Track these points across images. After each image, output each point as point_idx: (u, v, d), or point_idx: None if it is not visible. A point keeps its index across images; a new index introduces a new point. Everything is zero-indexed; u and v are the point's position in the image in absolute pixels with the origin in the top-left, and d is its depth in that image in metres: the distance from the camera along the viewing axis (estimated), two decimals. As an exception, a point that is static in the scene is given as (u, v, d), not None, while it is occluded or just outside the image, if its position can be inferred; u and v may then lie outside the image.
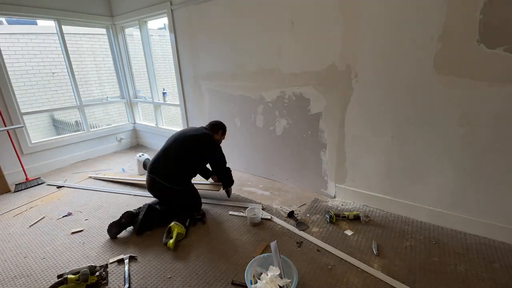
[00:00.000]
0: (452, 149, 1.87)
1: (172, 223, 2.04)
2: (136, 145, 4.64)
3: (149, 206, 2.18)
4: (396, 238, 1.94)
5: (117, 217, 2.20)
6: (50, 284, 1.52)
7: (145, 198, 2.63)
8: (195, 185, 2.44)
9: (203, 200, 2.47)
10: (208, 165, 2.47)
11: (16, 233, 2.21)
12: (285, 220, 2.22)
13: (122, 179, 3.11)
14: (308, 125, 2.51)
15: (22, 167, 3.15)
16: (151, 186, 2.28)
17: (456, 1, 1.63)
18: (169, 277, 1.69)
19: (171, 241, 1.91)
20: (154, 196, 2.35)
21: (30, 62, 5.19)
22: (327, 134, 2.42)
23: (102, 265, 1.75)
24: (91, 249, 2.00)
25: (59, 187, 2.99)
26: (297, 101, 2.50)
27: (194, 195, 2.38)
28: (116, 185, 3.01)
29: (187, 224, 2.11)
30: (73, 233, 2.19)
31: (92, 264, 1.70)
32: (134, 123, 4.58)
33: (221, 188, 2.58)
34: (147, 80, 4.08)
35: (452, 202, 1.96)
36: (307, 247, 1.89)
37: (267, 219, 2.24)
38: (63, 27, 3.57)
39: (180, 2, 3.03)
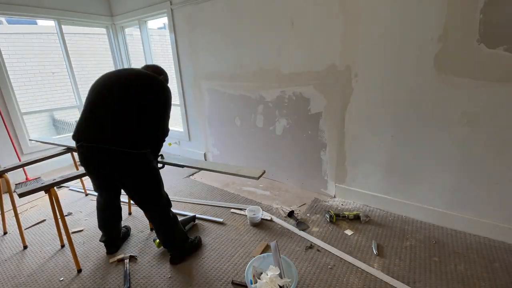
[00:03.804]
0: (452, 149, 1.87)
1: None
2: (136, 145, 4.63)
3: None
4: (396, 238, 1.94)
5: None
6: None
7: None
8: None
9: (202, 202, 2.46)
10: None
11: (16, 233, 2.21)
12: (285, 220, 2.22)
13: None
14: (308, 125, 2.51)
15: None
16: (90, 160, 1.55)
17: (456, 1, 1.63)
18: (169, 277, 1.69)
19: (158, 240, 1.92)
20: (96, 177, 1.71)
21: (30, 62, 5.19)
22: (327, 134, 2.42)
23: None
24: (91, 248, 2.00)
25: (59, 187, 2.99)
26: (297, 101, 2.50)
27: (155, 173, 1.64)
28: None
29: (186, 228, 2.10)
30: (73, 233, 2.19)
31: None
32: (134, 123, 4.57)
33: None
34: (147, 80, 4.07)
35: (452, 202, 1.96)
36: (307, 247, 1.89)
37: (267, 219, 2.24)
38: (63, 27, 3.57)
39: (180, 1, 3.03)
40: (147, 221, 2.21)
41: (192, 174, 3.25)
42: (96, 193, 1.95)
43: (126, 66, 4.24)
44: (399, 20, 1.83)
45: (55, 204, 1.66)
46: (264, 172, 1.68)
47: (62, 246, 2.03)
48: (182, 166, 1.84)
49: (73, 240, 2.05)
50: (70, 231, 2.17)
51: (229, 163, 3.35)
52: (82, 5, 3.66)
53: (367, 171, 2.29)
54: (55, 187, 1.67)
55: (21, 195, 1.54)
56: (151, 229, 2.18)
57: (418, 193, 2.09)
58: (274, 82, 2.60)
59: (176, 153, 3.97)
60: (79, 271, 1.78)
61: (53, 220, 1.74)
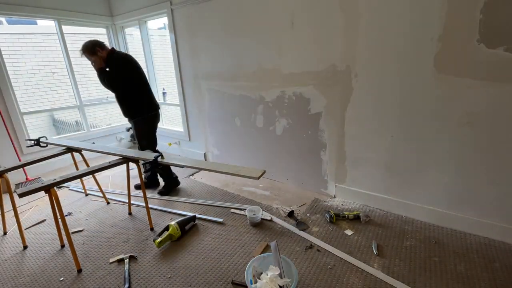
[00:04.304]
0: (452, 149, 1.87)
1: (172, 222, 2.05)
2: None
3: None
4: (396, 238, 1.94)
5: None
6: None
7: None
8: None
9: (202, 202, 2.46)
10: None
11: (16, 233, 2.21)
12: (285, 220, 2.22)
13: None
14: (308, 125, 2.51)
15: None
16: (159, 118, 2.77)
17: (456, 1, 1.63)
18: (169, 277, 1.69)
19: (159, 240, 1.93)
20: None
21: (30, 62, 5.19)
22: (327, 134, 2.42)
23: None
24: (91, 248, 2.00)
25: (59, 187, 2.99)
26: (297, 101, 2.50)
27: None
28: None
29: (186, 228, 2.11)
30: (73, 233, 2.19)
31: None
32: (134, 123, 4.57)
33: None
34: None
35: (452, 202, 1.96)
36: (307, 247, 1.89)
37: (267, 219, 2.24)
38: (63, 27, 3.57)
39: (180, 2, 3.03)
40: (147, 221, 2.21)
41: (192, 174, 3.25)
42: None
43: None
44: (399, 20, 1.83)
45: (55, 204, 1.66)
46: (264, 172, 1.68)
47: (62, 246, 2.03)
48: (182, 166, 1.84)
49: (73, 240, 2.05)
50: (70, 231, 2.17)
51: (229, 163, 3.35)
52: (82, 5, 3.66)
53: (367, 171, 2.29)
54: (55, 187, 1.67)
55: (21, 195, 1.54)
56: (151, 229, 2.18)
57: (418, 193, 2.09)
58: (274, 82, 2.60)
59: (176, 153, 3.97)
60: (79, 271, 1.78)
61: (53, 220, 1.74)
